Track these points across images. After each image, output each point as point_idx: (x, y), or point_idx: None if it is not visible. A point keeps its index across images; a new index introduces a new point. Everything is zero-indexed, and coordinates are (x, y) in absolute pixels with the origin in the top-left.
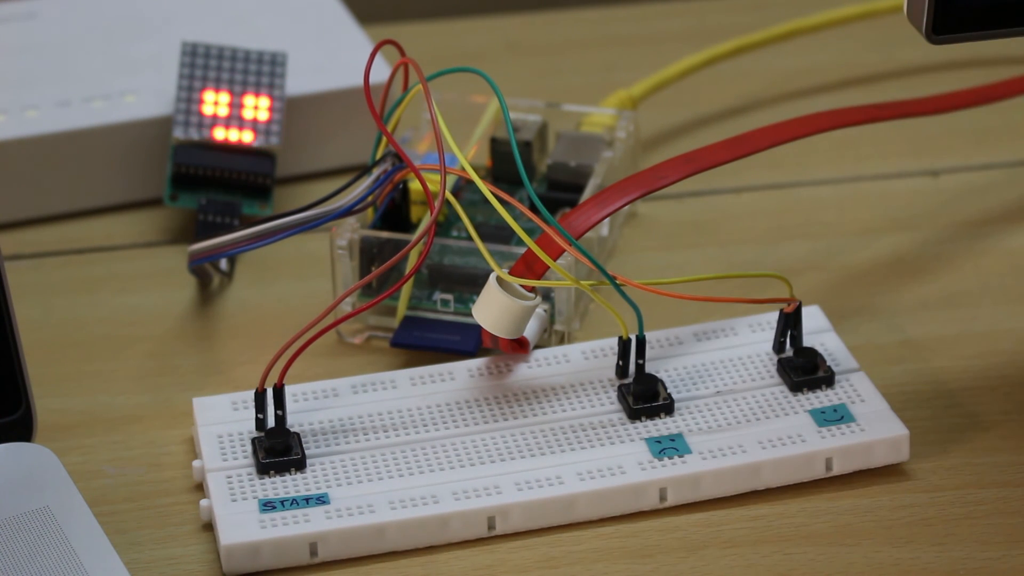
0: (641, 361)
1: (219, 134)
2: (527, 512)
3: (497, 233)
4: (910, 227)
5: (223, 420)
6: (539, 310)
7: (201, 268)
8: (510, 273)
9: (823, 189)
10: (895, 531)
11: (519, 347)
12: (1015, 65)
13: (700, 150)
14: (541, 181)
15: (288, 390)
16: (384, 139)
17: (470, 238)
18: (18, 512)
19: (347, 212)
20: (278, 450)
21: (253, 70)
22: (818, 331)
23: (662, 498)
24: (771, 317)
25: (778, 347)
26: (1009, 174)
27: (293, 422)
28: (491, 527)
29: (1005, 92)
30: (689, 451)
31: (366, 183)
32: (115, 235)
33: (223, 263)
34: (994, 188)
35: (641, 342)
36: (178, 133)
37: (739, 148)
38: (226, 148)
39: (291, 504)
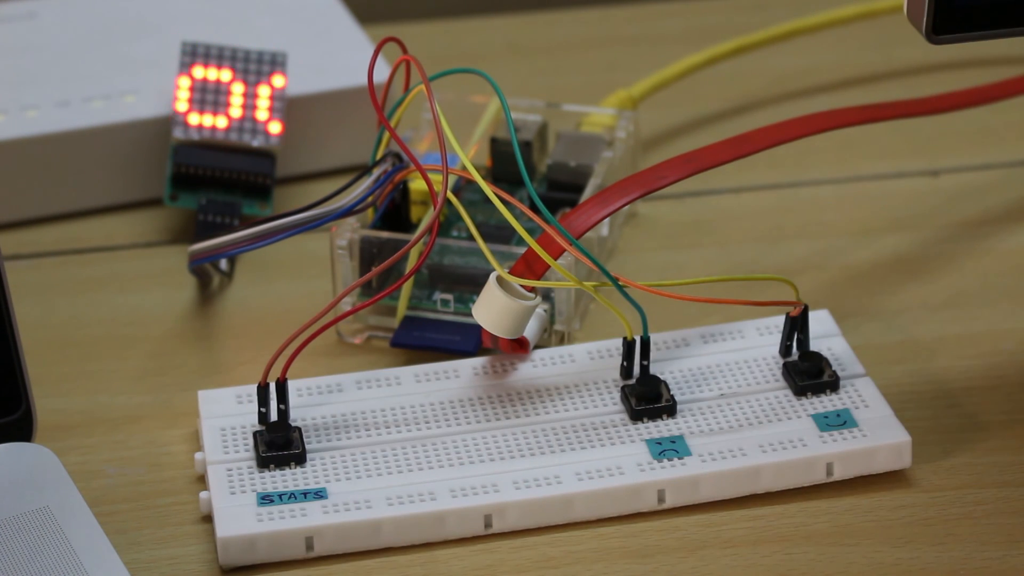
0: (646, 362)
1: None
2: (524, 511)
3: (497, 233)
4: (910, 227)
5: (227, 413)
6: (539, 310)
7: (201, 268)
8: (510, 273)
9: (823, 189)
10: (895, 531)
11: (519, 347)
12: (1015, 65)
13: (700, 150)
14: (541, 181)
15: (292, 385)
16: (384, 139)
17: (470, 238)
18: (18, 512)
19: (347, 212)
20: (279, 444)
21: (253, 70)
22: (826, 335)
23: (660, 499)
24: (780, 321)
25: (784, 351)
26: (1009, 174)
27: (296, 416)
28: (488, 525)
29: (1005, 92)
30: (689, 453)
31: (366, 183)
32: (115, 235)
33: (223, 263)
34: (994, 188)
35: (645, 343)
36: (178, 133)
37: (739, 148)
38: (226, 148)
39: (288, 498)
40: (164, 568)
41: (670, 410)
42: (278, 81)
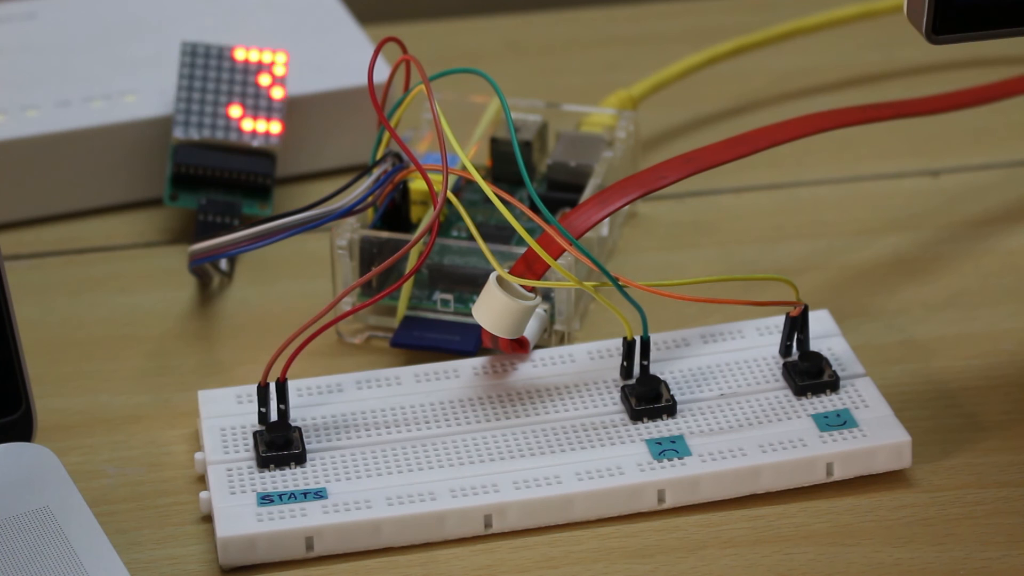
0: (646, 362)
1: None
2: (524, 511)
3: (497, 233)
4: (910, 227)
5: (227, 413)
6: (539, 310)
7: (201, 268)
8: (510, 273)
9: (823, 189)
10: (895, 531)
11: (519, 347)
12: (1015, 65)
13: (700, 150)
14: (541, 181)
15: (292, 385)
16: (384, 139)
17: (470, 238)
18: (18, 512)
19: (347, 212)
20: (279, 444)
21: (253, 70)
22: (826, 335)
23: (660, 499)
24: (780, 321)
25: (784, 351)
26: (1009, 174)
27: (296, 416)
28: (488, 525)
29: (1005, 92)
30: (689, 453)
31: (366, 183)
32: (115, 235)
33: (223, 263)
34: (994, 188)
35: (645, 343)
36: (178, 133)
37: (739, 148)
38: (226, 148)
39: (288, 498)
40: (164, 568)
41: (670, 410)
42: (278, 81)
